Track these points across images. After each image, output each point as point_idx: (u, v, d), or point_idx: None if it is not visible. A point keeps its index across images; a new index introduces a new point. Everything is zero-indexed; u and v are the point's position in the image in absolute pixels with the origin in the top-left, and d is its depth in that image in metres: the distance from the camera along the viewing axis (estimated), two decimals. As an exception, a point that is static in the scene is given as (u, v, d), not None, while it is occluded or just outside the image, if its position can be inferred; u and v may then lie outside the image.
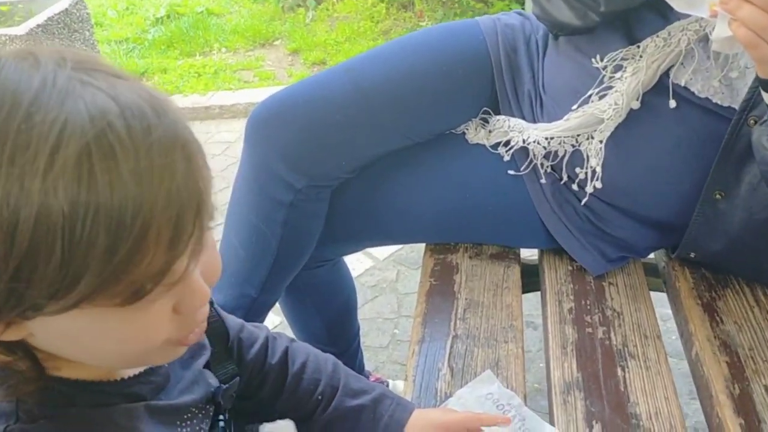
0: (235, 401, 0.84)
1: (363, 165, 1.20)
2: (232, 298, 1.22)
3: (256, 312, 1.24)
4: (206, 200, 0.51)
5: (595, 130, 1.05)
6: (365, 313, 2.18)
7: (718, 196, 1.03)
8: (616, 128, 1.04)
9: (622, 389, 0.97)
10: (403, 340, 2.06)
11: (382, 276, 2.33)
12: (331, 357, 0.92)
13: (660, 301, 1.21)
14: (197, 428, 0.71)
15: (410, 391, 0.97)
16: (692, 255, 1.14)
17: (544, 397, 0.98)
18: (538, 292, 1.22)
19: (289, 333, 1.55)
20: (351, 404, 0.86)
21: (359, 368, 1.59)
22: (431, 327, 1.08)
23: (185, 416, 0.70)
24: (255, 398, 0.89)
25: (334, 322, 1.44)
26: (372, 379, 1.66)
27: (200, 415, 0.72)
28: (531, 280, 1.27)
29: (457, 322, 1.09)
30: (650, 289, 1.18)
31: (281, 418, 0.91)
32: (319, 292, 1.39)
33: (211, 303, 0.82)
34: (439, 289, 1.17)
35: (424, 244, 1.28)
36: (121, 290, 0.48)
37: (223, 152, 3.06)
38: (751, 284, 1.14)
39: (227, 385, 0.76)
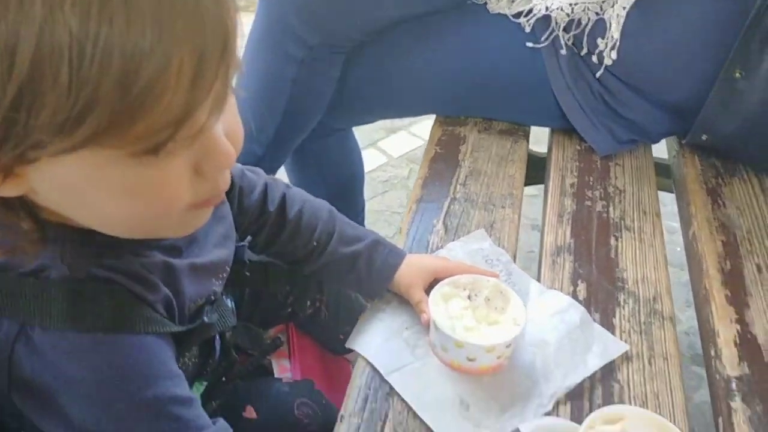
0: None
1: (379, 29, 1.18)
2: (240, 155, 1.23)
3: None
4: (232, 43, 0.46)
5: (620, -3, 1.02)
6: (374, 206, 2.20)
7: (737, 74, 1.00)
8: (642, -5, 1.01)
9: (613, 256, 0.97)
10: (411, 234, 2.08)
11: (394, 172, 2.34)
12: (325, 204, 0.92)
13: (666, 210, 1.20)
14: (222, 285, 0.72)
15: (402, 242, 0.98)
16: (704, 137, 1.12)
17: (534, 262, 0.99)
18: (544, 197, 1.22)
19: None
20: (346, 251, 0.87)
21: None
22: (431, 189, 1.09)
23: (220, 274, 0.71)
24: (251, 245, 0.90)
25: (338, 195, 1.45)
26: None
27: (225, 275, 0.72)
28: (537, 173, 1.25)
29: (458, 186, 1.10)
30: (658, 189, 1.16)
31: (275, 259, 0.93)
32: (326, 161, 1.40)
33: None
34: (444, 156, 1.17)
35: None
36: (136, 134, 0.43)
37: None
38: (759, 174, 1.13)
39: (244, 243, 0.78)
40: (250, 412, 0.79)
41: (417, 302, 0.84)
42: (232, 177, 0.76)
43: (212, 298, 0.70)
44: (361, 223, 1.57)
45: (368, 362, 0.80)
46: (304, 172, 1.42)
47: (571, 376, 0.80)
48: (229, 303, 0.78)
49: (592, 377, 0.80)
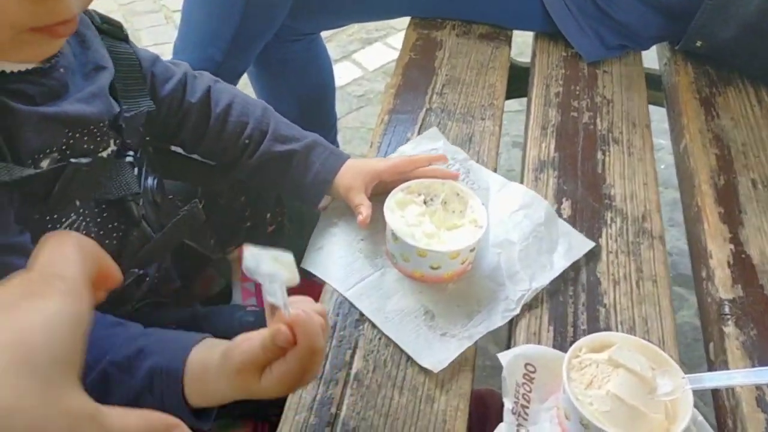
0: (151, 142, 0.77)
1: None
2: (196, 60, 1.12)
3: (221, 79, 1.14)
4: None
5: None
6: (349, 122, 2.10)
7: (739, -28, 0.91)
8: None
9: (599, 171, 0.90)
10: (385, 151, 2.00)
11: (370, 87, 2.22)
12: (261, 102, 0.85)
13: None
14: (91, 147, 0.64)
15: (373, 156, 0.90)
16: (698, 44, 1.03)
17: (515, 181, 0.91)
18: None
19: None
20: (280, 149, 0.80)
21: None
22: (404, 99, 1.00)
23: (79, 129, 0.63)
24: (175, 140, 0.83)
25: (308, 106, 1.35)
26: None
27: (98, 135, 0.65)
28: (519, 86, 1.16)
29: (434, 96, 1.01)
30: (649, 103, 1.08)
31: (205, 158, 0.86)
32: (292, 69, 1.29)
33: (126, 39, 0.75)
34: (419, 63, 1.07)
35: None
36: None
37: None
38: (755, 83, 1.05)
39: (132, 112, 0.69)
40: None
41: (356, 205, 0.78)
42: (140, 61, 0.74)
43: (66, 151, 0.62)
44: (334, 138, 1.48)
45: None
46: (270, 82, 1.31)
47: (538, 278, 0.76)
48: (135, 172, 0.71)
49: (575, 302, 0.74)
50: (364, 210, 0.77)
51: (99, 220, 0.68)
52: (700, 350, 1.53)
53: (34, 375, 0.27)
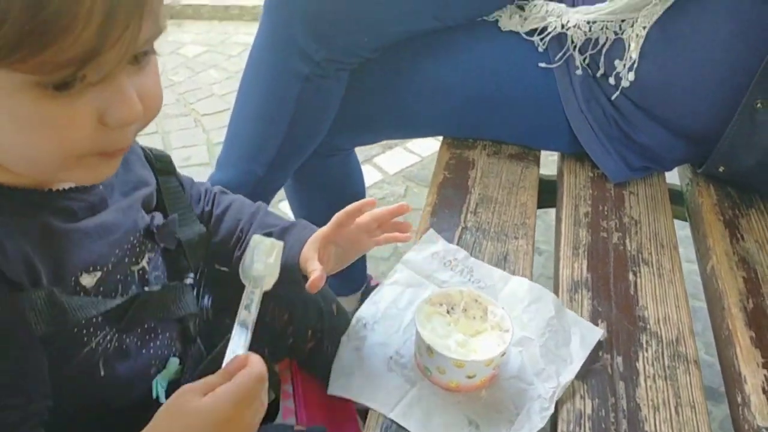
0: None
1: (387, 44, 1.13)
2: (238, 174, 1.18)
3: (261, 192, 1.20)
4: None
5: (640, 15, 0.98)
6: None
7: (759, 105, 0.97)
8: (663, 15, 0.97)
9: (632, 293, 0.93)
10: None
11: (390, 190, 2.29)
12: (259, 203, 0.92)
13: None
14: (133, 260, 0.70)
15: (413, 274, 0.94)
16: (721, 169, 1.08)
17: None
18: (552, 217, 1.18)
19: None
20: (261, 232, 0.85)
21: (362, 269, 1.57)
22: (440, 218, 1.04)
23: (119, 243, 0.68)
24: None
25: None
26: (373, 283, 1.64)
27: (136, 246, 0.70)
28: (548, 197, 1.22)
29: (468, 215, 1.05)
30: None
31: (217, 264, 0.91)
32: (328, 182, 1.35)
33: (170, 161, 0.82)
34: (453, 182, 1.12)
35: (435, 163, 1.22)
36: (44, 61, 0.46)
37: (239, 54, 2.98)
38: (777, 206, 1.10)
39: (164, 221, 0.75)
40: None
41: (309, 271, 0.79)
42: (182, 185, 0.81)
43: (109, 267, 0.66)
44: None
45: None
46: (305, 193, 1.37)
47: (563, 372, 0.79)
48: (193, 291, 0.78)
49: (617, 429, 0.75)
50: (314, 274, 0.78)
51: (161, 338, 0.72)
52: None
53: None
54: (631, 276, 0.96)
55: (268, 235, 0.85)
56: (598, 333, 0.85)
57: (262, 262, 0.66)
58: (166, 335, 0.74)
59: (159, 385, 0.73)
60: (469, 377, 0.76)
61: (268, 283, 0.66)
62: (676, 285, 0.95)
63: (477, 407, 0.76)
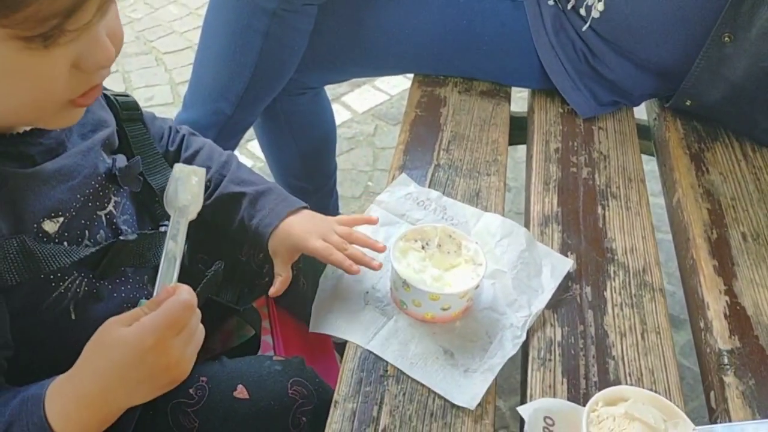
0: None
1: None
2: (206, 114, 1.16)
3: (229, 131, 1.18)
4: None
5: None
6: (340, 164, 2.13)
7: (726, 38, 0.98)
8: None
9: (601, 226, 0.95)
10: (377, 192, 2.04)
11: (360, 129, 2.28)
12: (229, 152, 0.91)
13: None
14: (96, 203, 0.69)
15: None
16: (688, 103, 1.10)
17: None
18: (521, 154, 1.19)
19: (267, 170, 1.51)
20: (234, 190, 0.86)
21: (333, 209, 1.57)
22: (413, 156, 1.05)
23: (80, 188, 0.67)
24: None
25: (310, 156, 1.40)
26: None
27: (99, 191, 0.70)
28: (518, 133, 1.22)
29: (441, 152, 1.06)
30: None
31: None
32: (297, 121, 1.33)
33: (138, 107, 0.80)
34: (425, 119, 1.12)
35: (405, 101, 1.21)
36: (26, 16, 0.47)
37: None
38: (741, 139, 1.12)
39: (127, 163, 0.74)
40: (241, 392, 0.75)
41: (277, 273, 0.84)
42: (143, 121, 0.80)
43: (72, 212, 0.66)
44: (334, 184, 1.52)
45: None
46: (274, 133, 1.35)
47: (535, 302, 0.83)
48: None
49: (586, 355, 0.78)
50: (278, 283, 0.83)
51: (132, 282, 0.72)
52: (686, 388, 1.59)
53: None
54: (599, 209, 0.98)
55: (242, 195, 0.85)
56: (567, 263, 0.88)
57: (187, 191, 0.64)
58: (137, 278, 0.74)
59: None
60: (444, 309, 0.78)
61: (193, 213, 0.64)
62: (643, 217, 0.98)
63: (452, 337, 0.79)
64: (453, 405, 0.72)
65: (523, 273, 0.85)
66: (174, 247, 0.61)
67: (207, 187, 0.85)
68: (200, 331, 0.60)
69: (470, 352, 0.77)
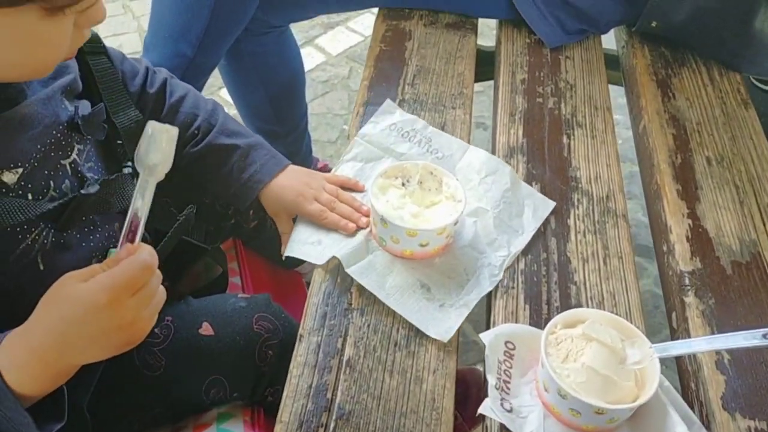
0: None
1: None
2: (166, 56, 1.13)
3: (192, 74, 1.16)
4: None
5: None
6: (314, 108, 2.12)
7: (690, -44, 0.96)
8: None
9: (565, 155, 0.95)
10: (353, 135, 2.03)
11: (334, 72, 2.24)
12: (213, 100, 0.89)
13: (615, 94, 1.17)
14: (59, 153, 0.67)
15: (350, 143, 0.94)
16: (654, 24, 1.08)
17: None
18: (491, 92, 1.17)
19: (235, 112, 1.49)
20: (224, 142, 0.85)
21: (306, 152, 1.56)
22: (377, 92, 1.03)
23: (40, 136, 0.65)
24: None
25: (279, 98, 1.37)
26: (320, 165, 1.64)
27: (61, 138, 0.68)
28: (486, 69, 1.21)
29: (406, 87, 1.04)
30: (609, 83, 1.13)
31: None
32: (263, 62, 1.31)
33: (100, 40, 0.78)
34: (389, 54, 1.10)
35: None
36: None
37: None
38: (707, 63, 1.11)
39: (90, 110, 0.71)
40: (206, 329, 0.76)
41: (282, 233, 0.85)
42: (112, 62, 0.80)
43: (33, 163, 0.64)
44: (305, 127, 1.50)
45: (321, 268, 0.78)
46: (240, 75, 1.33)
47: (514, 242, 0.83)
48: (133, 180, 0.74)
49: (548, 281, 0.79)
50: (286, 241, 0.83)
51: (101, 231, 0.71)
52: (660, 317, 1.62)
53: None
54: (564, 139, 0.98)
55: (233, 148, 0.84)
56: (550, 205, 0.87)
57: (158, 150, 0.62)
58: (106, 227, 0.74)
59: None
60: (422, 245, 0.78)
61: (161, 172, 0.62)
62: (608, 145, 0.97)
63: (430, 272, 0.79)
64: (417, 334, 0.73)
65: (505, 213, 0.85)
66: (141, 205, 0.60)
67: (195, 135, 0.85)
68: (160, 293, 0.58)
69: (447, 288, 0.77)
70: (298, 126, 1.47)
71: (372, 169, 0.90)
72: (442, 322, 0.74)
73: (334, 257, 0.77)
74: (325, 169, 1.60)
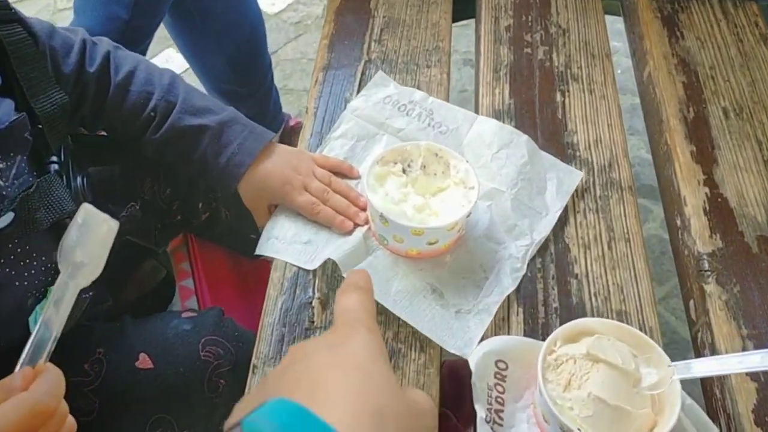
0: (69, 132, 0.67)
1: None
2: (99, 20, 0.99)
3: (131, 37, 1.01)
4: None
5: None
6: (288, 54, 1.96)
7: None
8: None
9: (560, 117, 0.82)
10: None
11: (307, 11, 2.07)
12: (169, 71, 0.74)
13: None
14: None
15: (310, 125, 0.80)
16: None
17: (470, 103, 0.83)
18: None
19: (194, 77, 1.34)
20: (191, 123, 0.70)
21: (274, 111, 1.42)
22: (339, 51, 0.89)
23: None
24: (75, 118, 0.72)
25: (237, 57, 1.23)
26: (292, 123, 1.50)
27: None
28: (465, 7, 1.05)
29: (372, 44, 0.90)
30: (605, 13, 0.98)
31: (108, 133, 0.77)
32: (214, 20, 1.16)
33: (8, 6, 0.62)
34: (352, 6, 0.95)
35: None
36: None
37: None
38: (720, -7, 0.96)
39: (9, 123, 0.57)
40: (144, 362, 0.65)
41: (260, 228, 0.71)
42: (38, 37, 0.64)
43: None
44: (271, 83, 1.36)
45: (277, 276, 0.66)
46: (191, 35, 1.18)
47: (538, 227, 0.70)
48: (62, 179, 0.63)
49: (544, 276, 0.68)
50: None
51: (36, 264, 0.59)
52: (668, 263, 1.51)
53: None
54: (558, 96, 0.84)
55: (203, 129, 0.69)
56: (577, 176, 0.74)
57: (91, 245, 0.48)
58: (42, 259, 0.61)
59: (38, 316, 0.61)
60: (431, 244, 0.66)
61: (87, 277, 0.48)
62: (609, 100, 0.84)
63: (441, 273, 0.67)
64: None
65: (524, 192, 0.72)
66: (53, 316, 0.46)
67: (151, 118, 0.71)
68: (70, 423, 0.46)
69: (462, 290, 0.66)
70: (262, 84, 1.33)
71: (365, 148, 0.77)
72: (461, 333, 0.63)
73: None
74: (298, 126, 1.47)
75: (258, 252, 0.68)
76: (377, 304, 0.63)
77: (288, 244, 0.69)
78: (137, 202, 0.68)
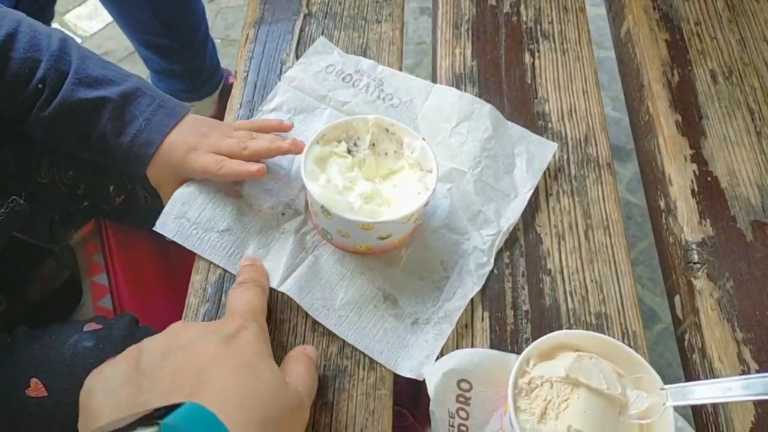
0: None
1: None
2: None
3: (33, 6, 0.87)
4: None
5: None
6: (230, 0, 1.80)
7: None
8: None
9: (529, 81, 0.72)
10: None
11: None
12: (58, 32, 0.61)
13: None
14: None
15: (239, 92, 0.68)
16: None
17: (427, 56, 0.72)
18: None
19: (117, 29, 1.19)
20: (87, 95, 0.58)
21: (212, 66, 1.28)
22: (274, 2, 0.76)
23: None
24: None
25: (164, 4, 1.08)
26: (231, 80, 1.36)
27: None
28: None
29: (313, -6, 0.77)
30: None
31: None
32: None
33: None
34: (289, -52, 0.82)
35: None
36: None
37: None
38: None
39: None
40: (37, 388, 0.54)
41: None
42: None
43: None
44: (205, 35, 1.21)
45: (198, 281, 0.55)
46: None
47: (505, 212, 0.61)
48: None
49: (513, 273, 0.58)
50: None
51: None
52: (634, 228, 1.44)
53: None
54: (527, 57, 0.74)
55: (102, 102, 0.57)
56: (551, 148, 0.65)
57: None
58: None
59: None
60: (382, 238, 0.56)
61: None
62: (584, 62, 0.74)
63: (395, 273, 0.57)
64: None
65: (489, 172, 0.62)
66: None
67: (39, 92, 0.58)
68: None
69: (420, 295, 0.56)
70: (195, 36, 1.18)
71: (304, 122, 0.65)
72: (418, 351, 0.54)
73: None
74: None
75: (159, 229, 0.57)
76: (319, 324, 0.53)
77: (202, 231, 0.57)
78: (21, 194, 0.56)
